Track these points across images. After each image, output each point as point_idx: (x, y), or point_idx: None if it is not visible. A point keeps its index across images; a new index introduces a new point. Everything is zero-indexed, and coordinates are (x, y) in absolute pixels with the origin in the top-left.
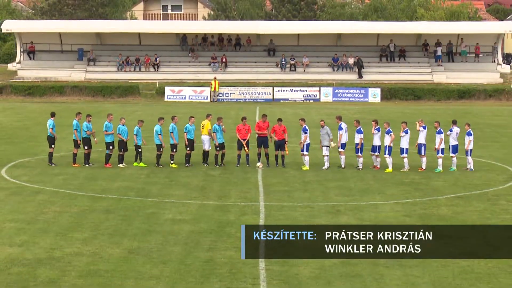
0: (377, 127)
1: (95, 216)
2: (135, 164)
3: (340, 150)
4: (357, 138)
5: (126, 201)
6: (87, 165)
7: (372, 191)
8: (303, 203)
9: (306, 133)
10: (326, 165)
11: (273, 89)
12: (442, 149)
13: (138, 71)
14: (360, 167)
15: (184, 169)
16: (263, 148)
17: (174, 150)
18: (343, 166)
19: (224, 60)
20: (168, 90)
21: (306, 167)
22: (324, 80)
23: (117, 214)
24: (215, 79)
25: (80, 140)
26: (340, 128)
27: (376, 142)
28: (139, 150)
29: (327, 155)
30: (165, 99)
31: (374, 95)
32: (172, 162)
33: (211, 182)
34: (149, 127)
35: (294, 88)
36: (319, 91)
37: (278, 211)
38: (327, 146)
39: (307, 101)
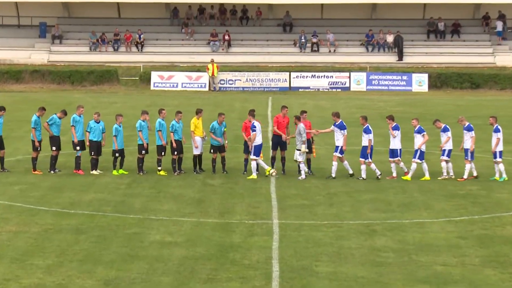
0: (394, 125)
1: (62, 238)
2: (114, 172)
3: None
4: (365, 140)
5: (101, 218)
6: (52, 172)
7: (416, 206)
8: (329, 221)
9: (254, 131)
10: (302, 174)
11: (289, 75)
12: (500, 152)
13: (116, 52)
14: (363, 176)
15: (175, 178)
16: (280, 150)
17: (162, 153)
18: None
19: (227, 37)
20: (155, 76)
21: (253, 176)
22: (356, 63)
23: (89, 235)
24: (212, 62)
25: (39, 142)
26: (343, 128)
27: (396, 145)
28: (117, 155)
29: (300, 161)
30: (152, 88)
31: (420, 83)
32: (159, 168)
33: (210, 193)
34: (132, 123)
35: (316, 74)
36: (349, 77)
37: (297, 231)
38: (299, 150)
39: (334, 90)
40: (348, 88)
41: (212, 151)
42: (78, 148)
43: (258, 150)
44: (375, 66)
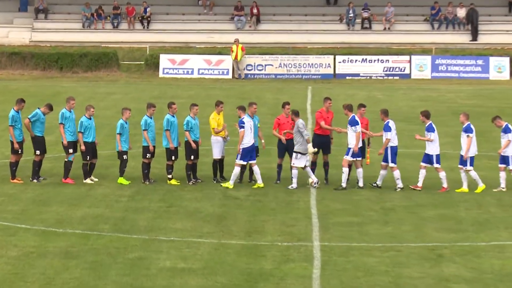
0: (428, 125)
1: (47, 263)
2: (121, 180)
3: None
4: (383, 139)
5: (97, 240)
6: (35, 180)
7: (494, 225)
8: (384, 243)
9: (242, 127)
10: (293, 183)
11: (334, 59)
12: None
13: (116, 29)
14: (378, 182)
15: (189, 188)
16: (322, 153)
17: (173, 157)
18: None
19: (255, 11)
20: (164, 60)
21: (229, 185)
22: (418, 44)
23: (82, 260)
24: (237, 42)
25: (19, 143)
26: (354, 123)
27: (432, 149)
28: (125, 157)
29: (296, 166)
30: (160, 74)
31: (499, 68)
32: (170, 176)
33: (234, 208)
34: (135, 120)
35: (368, 57)
36: (410, 61)
37: (343, 256)
38: (298, 152)
39: (390, 77)
40: (408, 75)
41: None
42: (70, 151)
43: (247, 153)
44: (442, 48)
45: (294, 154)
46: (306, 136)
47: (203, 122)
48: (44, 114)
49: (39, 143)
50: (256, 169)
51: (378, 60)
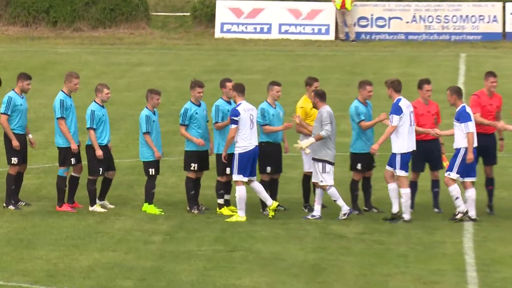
0: None
1: None
2: (151, 209)
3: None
4: (458, 136)
5: None
6: (11, 207)
7: None
8: None
9: (235, 123)
10: (316, 210)
11: (503, 8)
12: None
13: None
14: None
15: (263, 221)
16: (484, 164)
17: (228, 170)
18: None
19: None
20: (224, 11)
21: (239, 217)
22: None
23: None
24: None
25: None
26: (397, 111)
27: None
28: (152, 172)
29: (319, 182)
30: (217, 34)
31: None
32: (221, 201)
33: (339, 254)
34: (172, 109)
35: None
36: None
37: None
38: (326, 161)
39: None
40: None
41: (359, 166)
42: (73, 161)
43: (247, 163)
44: None
45: (317, 165)
46: (326, 133)
47: (289, 112)
48: (22, 93)
49: (17, 146)
50: (241, 190)
51: None
